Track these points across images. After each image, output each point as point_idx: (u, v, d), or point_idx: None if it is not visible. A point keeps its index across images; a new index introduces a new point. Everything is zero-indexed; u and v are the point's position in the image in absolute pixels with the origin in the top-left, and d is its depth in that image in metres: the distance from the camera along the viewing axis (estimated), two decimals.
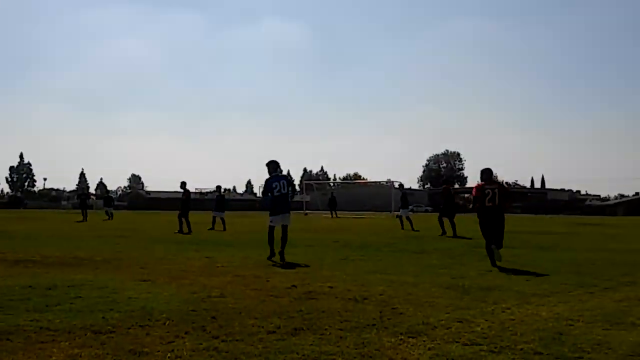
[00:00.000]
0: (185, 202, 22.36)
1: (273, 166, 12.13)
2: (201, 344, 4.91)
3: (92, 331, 5.32)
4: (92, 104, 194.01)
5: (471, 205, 12.08)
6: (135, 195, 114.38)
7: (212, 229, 23.85)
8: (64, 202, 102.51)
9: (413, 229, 24.13)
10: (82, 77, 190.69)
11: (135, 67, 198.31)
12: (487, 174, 11.66)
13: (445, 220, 20.84)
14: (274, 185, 11.74)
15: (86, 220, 32.09)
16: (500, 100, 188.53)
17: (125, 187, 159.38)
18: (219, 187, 27.18)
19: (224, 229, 23.55)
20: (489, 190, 11.33)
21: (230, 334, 5.25)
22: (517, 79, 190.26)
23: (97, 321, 5.71)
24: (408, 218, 25.60)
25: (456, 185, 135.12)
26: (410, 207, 29.05)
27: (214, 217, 24.93)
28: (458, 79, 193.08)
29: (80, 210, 35.46)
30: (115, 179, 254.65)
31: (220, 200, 25.52)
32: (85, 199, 38.15)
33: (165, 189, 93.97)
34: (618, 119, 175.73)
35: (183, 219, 21.88)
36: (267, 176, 12.06)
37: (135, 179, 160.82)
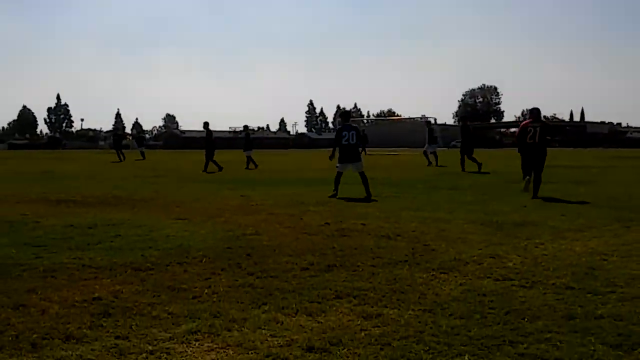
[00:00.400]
0: (208, 142, 22.74)
1: (345, 117, 13.30)
2: (237, 280, 5.05)
3: (132, 268, 5.50)
4: (127, 43, 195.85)
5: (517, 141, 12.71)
6: (170, 135, 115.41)
7: (247, 168, 24.16)
8: (101, 143, 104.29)
9: (436, 164, 24.18)
10: (115, 16, 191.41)
11: (167, 4, 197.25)
12: (534, 113, 12.43)
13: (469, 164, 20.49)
14: (343, 134, 12.45)
15: (123, 160, 32.53)
16: (539, 33, 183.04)
17: (160, 126, 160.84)
18: (245, 127, 27.55)
19: (255, 167, 23.90)
20: (531, 128, 12.01)
21: (265, 271, 5.37)
22: (556, 9, 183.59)
23: (136, 259, 5.90)
24: (434, 153, 25.63)
25: (492, 120, 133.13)
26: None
27: (246, 157, 25.31)
28: (495, 11, 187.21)
29: (115, 151, 35.69)
30: (150, 119, 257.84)
31: (247, 140, 26.03)
32: (120, 139, 38.54)
33: (200, 128, 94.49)
34: None
35: (209, 159, 22.32)
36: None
37: (170, 119, 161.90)
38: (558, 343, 3.50)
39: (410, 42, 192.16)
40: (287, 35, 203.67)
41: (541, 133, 11.89)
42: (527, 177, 11.85)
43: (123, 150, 35.26)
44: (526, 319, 3.95)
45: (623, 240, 6.98)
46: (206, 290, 4.71)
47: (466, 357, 3.29)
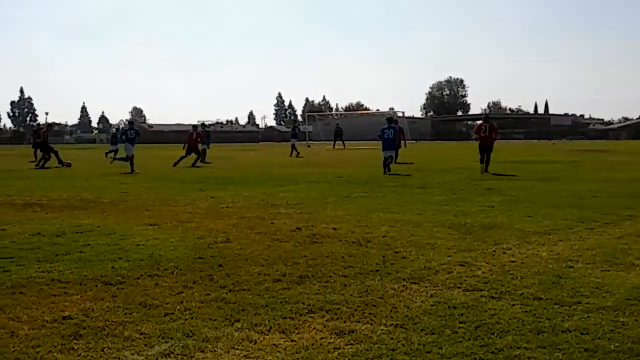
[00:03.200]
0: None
1: (388, 121, 20.12)
2: (209, 294, 5.03)
3: (102, 282, 5.44)
4: (88, 35, 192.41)
5: (474, 136, 20.71)
6: (138, 129, 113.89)
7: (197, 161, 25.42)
8: (67, 137, 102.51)
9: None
10: (80, 7, 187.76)
11: None
12: (485, 118, 20.13)
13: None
14: (384, 132, 19.32)
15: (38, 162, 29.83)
16: (503, 26, 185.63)
17: (127, 120, 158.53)
18: (195, 126, 27.54)
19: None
20: (484, 127, 19.20)
21: (237, 283, 5.36)
22: (519, 3, 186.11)
23: (106, 271, 5.83)
24: (293, 147, 33.53)
25: (459, 113, 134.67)
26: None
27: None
28: (461, 4, 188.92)
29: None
30: (117, 112, 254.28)
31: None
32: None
33: (168, 121, 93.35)
34: (624, 38, 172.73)
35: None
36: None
37: (137, 112, 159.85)
38: None
39: (377, 35, 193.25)
40: (254, 27, 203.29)
41: (490, 130, 19.06)
42: (482, 165, 18.21)
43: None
44: (496, 334, 4.03)
45: (588, 243, 7.15)
46: (178, 307, 4.69)
47: None
